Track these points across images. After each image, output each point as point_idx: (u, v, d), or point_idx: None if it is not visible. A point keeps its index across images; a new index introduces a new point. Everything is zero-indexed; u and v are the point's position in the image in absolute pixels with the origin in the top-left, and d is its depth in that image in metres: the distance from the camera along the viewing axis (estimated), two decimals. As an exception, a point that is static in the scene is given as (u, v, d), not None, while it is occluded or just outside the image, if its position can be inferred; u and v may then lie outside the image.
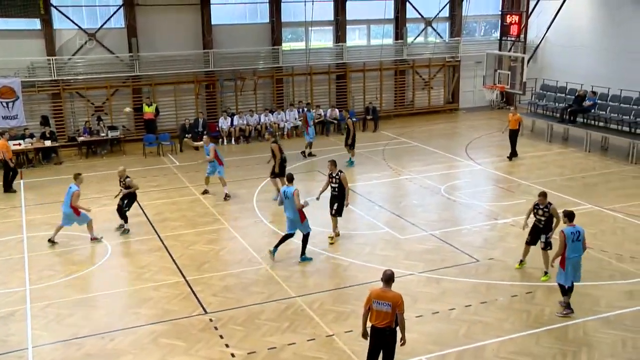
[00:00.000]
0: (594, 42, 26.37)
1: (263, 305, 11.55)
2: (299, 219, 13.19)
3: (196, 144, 19.81)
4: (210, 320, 11.06)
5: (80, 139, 23.29)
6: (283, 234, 14.26)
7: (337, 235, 14.60)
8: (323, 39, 28.95)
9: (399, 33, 28.93)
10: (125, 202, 15.27)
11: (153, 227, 15.66)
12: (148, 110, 24.20)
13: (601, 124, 23.09)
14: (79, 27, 24.11)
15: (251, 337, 10.48)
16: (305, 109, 23.75)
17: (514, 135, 21.40)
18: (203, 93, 26.30)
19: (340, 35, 27.89)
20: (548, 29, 27.62)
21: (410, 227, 15.33)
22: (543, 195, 12.31)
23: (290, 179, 13.52)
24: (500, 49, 29.06)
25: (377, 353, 8.73)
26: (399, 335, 8.62)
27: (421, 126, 27.48)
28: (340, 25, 27.84)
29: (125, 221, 15.23)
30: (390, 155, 21.98)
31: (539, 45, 28.36)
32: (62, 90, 24.00)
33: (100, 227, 15.39)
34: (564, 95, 25.44)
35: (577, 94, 23.95)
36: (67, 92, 24.18)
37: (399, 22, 28.89)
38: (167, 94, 25.74)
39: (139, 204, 17.08)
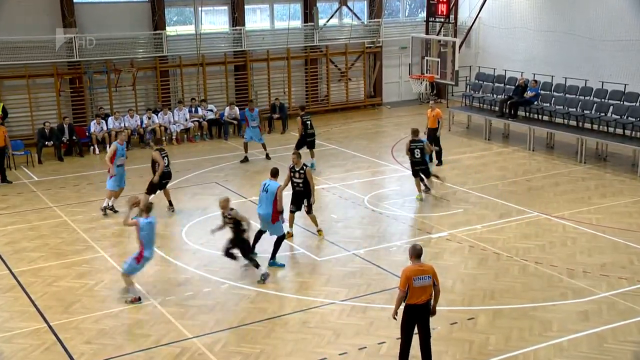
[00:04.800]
0: (534, 23, 27.57)
1: (151, 351, 11.26)
2: (270, 218, 14.02)
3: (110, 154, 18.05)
4: (84, 374, 10.72)
5: None
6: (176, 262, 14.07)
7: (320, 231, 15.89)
8: (217, 22, 28.78)
9: (309, 14, 29.21)
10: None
11: (3, 260, 14.99)
12: (-8, 112, 23.30)
13: (545, 117, 24.15)
14: None
15: (137, 392, 10.23)
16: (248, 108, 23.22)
17: (432, 136, 21.67)
18: (67, 89, 25.56)
19: (237, 17, 27.83)
20: (481, 8, 28.64)
21: (329, 246, 15.42)
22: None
23: (275, 174, 14.41)
24: (427, 32, 29.89)
25: (413, 332, 10.04)
26: None
27: (339, 125, 27.80)
28: (237, 4, 27.80)
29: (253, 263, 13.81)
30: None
31: (471, 27, 29.36)
32: None
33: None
34: (502, 85, 26.42)
35: (517, 83, 24.91)
36: None
37: (308, 0, 29.16)
38: (18, 90, 24.80)
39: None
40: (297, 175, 15.36)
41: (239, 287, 13.47)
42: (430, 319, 10.16)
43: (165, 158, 17.35)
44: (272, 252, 14.29)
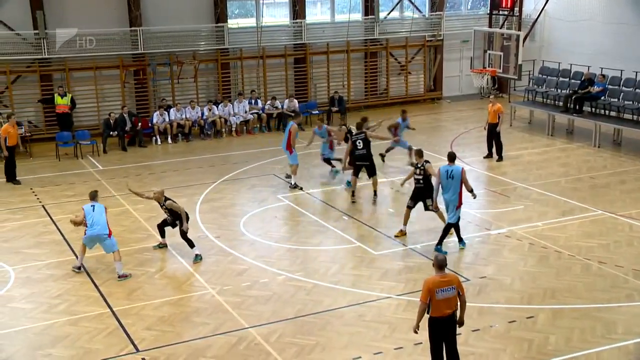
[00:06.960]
0: (603, 15, 26.88)
1: (209, 339, 11.41)
2: (457, 202, 14.30)
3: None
4: (143, 359, 10.89)
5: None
6: (235, 253, 14.21)
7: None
8: (277, 15, 28.90)
9: (369, 7, 29.09)
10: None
11: (70, 246, 15.37)
12: (61, 102, 23.82)
13: (613, 113, 23.59)
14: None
15: (194, 380, 10.37)
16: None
17: (492, 131, 21.43)
18: (131, 81, 26.03)
19: (298, 10, 27.90)
20: (547, 0, 28.12)
21: (386, 240, 15.37)
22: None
23: (452, 158, 14.61)
24: (490, 26, 29.49)
25: (442, 346, 9.65)
26: None
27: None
28: (298, -3, 27.89)
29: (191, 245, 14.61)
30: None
31: (536, 20, 28.84)
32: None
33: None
34: (567, 79, 25.89)
35: (583, 77, 24.40)
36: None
37: (369, -7, 29.08)
38: (85, 81, 25.36)
39: (52, 219, 16.79)
40: (417, 171, 15.32)
41: (296, 279, 13.53)
42: (459, 328, 9.84)
43: (359, 142, 17.92)
44: (440, 237, 14.56)
